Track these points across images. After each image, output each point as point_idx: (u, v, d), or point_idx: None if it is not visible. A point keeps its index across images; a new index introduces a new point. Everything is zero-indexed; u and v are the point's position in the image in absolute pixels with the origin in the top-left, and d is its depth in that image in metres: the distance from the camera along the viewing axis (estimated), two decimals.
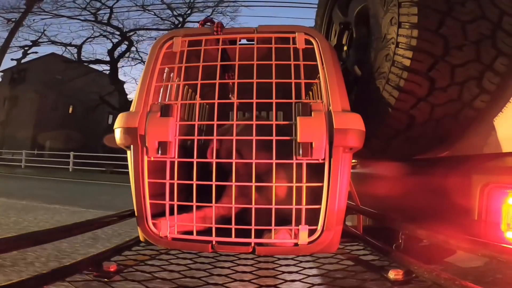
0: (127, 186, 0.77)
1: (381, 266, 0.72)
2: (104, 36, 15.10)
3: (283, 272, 0.74)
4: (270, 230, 0.68)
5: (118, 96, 14.54)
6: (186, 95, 1.00)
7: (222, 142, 0.77)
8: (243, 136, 0.70)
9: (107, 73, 15.39)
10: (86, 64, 15.82)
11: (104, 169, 11.48)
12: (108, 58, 15.11)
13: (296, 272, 0.75)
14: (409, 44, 0.74)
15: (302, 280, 0.70)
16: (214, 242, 0.69)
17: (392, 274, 0.65)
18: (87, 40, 15.17)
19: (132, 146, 0.71)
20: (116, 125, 0.73)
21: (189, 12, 14.86)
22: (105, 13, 14.48)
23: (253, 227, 0.67)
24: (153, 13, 14.60)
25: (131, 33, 14.96)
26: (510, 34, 0.74)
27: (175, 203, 0.70)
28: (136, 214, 0.73)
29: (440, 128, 0.82)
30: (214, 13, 14.91)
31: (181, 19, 14.89)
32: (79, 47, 15.16)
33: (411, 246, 1.00)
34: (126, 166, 0.74)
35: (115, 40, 15.16)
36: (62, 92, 15.87)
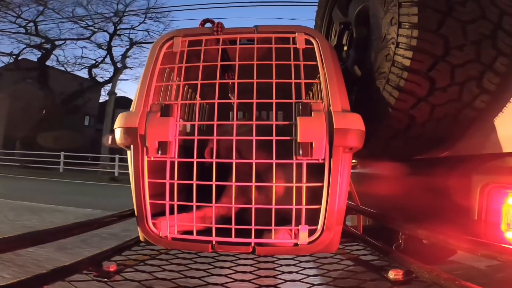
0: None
1: (381, 266, 0.72)
2: (33, 46, 16.20)
3: (283, 272, 0.74)
4: (270, 230, 0.67)
5: (48, 99, 15.65)
6: (186, 95, 1.00)
7: (220, 141, 0.77)
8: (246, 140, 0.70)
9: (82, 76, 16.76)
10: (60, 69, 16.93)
11: (18, 164, 12.77)
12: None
13: (296, 272, 0.75)
14: (409, 44, 0.74)
15: (302, 280, 0.70)
16: (214, 242, 0.68)
17: (392, 274, 0.65)
18: (23, 50, 16.19)
19: (132, 146, 0.71)
20: (116, 125, 0.73)
21: (118, 21, 15.91)
22: (31, 26, 15.53)
23: (253, 227, 0.67)
24: (85, 23, 15.62)
25: (50, 43, 15.97)
26: (510, 34, 0.74)
27: (175, 203, 0.70)
28: (136, 214, 0.73)
29: (440, 128, 0.82)
30: (147, 19, 15.90)
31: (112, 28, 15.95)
32: (16, 57, 16.25)
33: (413, 246, 1.00)
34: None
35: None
36: (35, 96, 16.48)
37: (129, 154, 0.73)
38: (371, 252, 0.85)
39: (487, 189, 0.77)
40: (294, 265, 0.79)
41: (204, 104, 1.24)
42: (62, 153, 12.09)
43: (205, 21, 0.82)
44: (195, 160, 0.70)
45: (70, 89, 16.42)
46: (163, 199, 0.71)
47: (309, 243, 0.67)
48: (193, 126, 0.75)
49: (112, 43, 16.08)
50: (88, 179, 9.35)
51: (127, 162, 0.73)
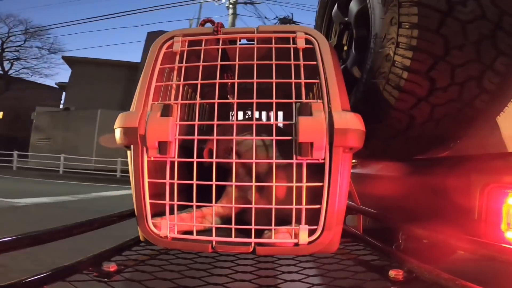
0: None
1: (381, 266, 0.72)
2: None
3: (283, 272, 0.74)
4: (270, 230, 0.67)
5: None
6: (186, 95, 1.00)
7: (219, 143, 0.77)
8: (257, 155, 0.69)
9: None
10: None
11: None
12: None
13: (296, 272, 0.75)
14: (409, 44, 0.74)
15: (302, 280, 0.69)
16: (214, 242, 0.68)
17: (392, 274, 0.65)
18: None
19: (132, 146, 0.71)
20: (116, 125, 0.73)
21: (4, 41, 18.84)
22: None
23: (253, 227, 0.67)
24: None
25: None
26: (510, 34, 0.74)
27: (175, 203, 0.70)
28: (136, 214, 0.73)
29: (440, 128, 0.82)
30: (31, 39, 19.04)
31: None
32: None
33: (413, 247, 1.00)
34: None
35: None
36: None
37: (129, 154, 0.73)
38: (371, 252, 0.85)
39: (487, 189, 0.77)
40: (294, 265, 0.79)
41: (204, 104, 1.24)
42: None
43: (205, 21, 0.82)
44: (195, 160, 0.70)
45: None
46: (163, 199, 0.71)
47: (309, 243, 0.67)
48: (192, 126, 0.75)
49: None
50: None
51: None
